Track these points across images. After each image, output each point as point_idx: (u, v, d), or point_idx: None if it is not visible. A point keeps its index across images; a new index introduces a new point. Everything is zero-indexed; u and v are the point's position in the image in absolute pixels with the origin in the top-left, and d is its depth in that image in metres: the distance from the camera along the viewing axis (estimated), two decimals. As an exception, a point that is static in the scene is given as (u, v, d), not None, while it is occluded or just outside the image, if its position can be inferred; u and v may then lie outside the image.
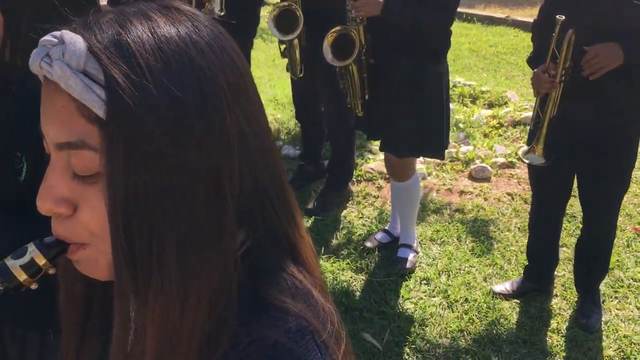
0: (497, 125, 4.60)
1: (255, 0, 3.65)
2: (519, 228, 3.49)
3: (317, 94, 3.52)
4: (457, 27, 7.99)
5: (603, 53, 2.27)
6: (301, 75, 3.30)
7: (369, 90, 2.92)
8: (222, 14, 3.33)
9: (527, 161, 2.57)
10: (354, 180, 3.88)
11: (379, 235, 3.34)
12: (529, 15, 8.83)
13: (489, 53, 6.95)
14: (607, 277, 3.08)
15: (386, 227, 3.37)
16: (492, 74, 6.21)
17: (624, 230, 3.51)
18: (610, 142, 2.44)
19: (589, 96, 2.39)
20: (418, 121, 2.79)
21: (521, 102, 5.06)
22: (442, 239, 3.38)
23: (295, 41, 3.17)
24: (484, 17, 8.39)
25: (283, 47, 3.26)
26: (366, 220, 3.55)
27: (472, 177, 3.96)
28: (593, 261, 2.82)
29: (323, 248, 3.26)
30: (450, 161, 4.14)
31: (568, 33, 2.28)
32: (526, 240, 3.05)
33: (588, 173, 2.61)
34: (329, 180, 3.65)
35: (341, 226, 3.48)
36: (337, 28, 2.65)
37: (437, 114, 2.81)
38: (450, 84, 5.35)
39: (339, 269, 3.13)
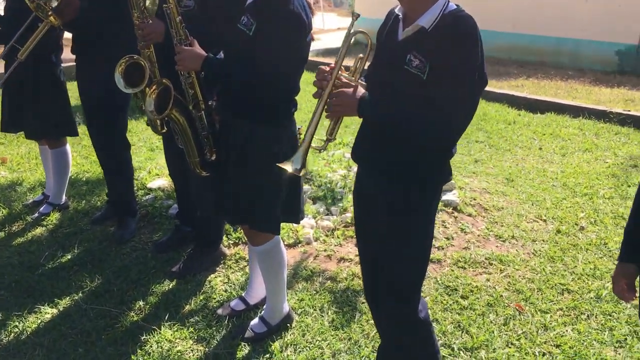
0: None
1: None
2: (391, 300, 3.26)
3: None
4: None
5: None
6: (164, 131, 3.19)
7: (217, 150, 2.80)
8: (56, 5, 3.25)
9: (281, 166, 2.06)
10: (231, 243, 3.71)
11: (234, 303, 3.14)
12: (499, 87, 8.79)
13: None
14: (469, 357, 2.84)
15: (243, 294, 3.18)
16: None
17: (507, 306, 3.26)
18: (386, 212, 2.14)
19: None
20: (244, 188, 2.62)
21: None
22: (304, 309, 3.16)
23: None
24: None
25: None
26: (230, 286, 3.35)
27: (359, 244, 3.76)
28: None
29: (169, 314, 3.06)
30: (344, 227, 3.96)
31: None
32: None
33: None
34: (196, 242, 3.49)
35: (202, 291, 3.29)
36: (154, 86, 2.56)
37: (267, 182, 2.59)
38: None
39: (179, 338, 2.92)
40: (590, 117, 7.03)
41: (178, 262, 3.49)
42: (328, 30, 23.70)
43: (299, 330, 3.00)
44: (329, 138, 2.10)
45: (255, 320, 2.98)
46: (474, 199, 4.46)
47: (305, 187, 4.32)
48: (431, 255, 3.67)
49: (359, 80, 2.07)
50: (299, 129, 2.73)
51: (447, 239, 3.90)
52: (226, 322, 3.03)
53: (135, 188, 4.44)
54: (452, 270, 3.57)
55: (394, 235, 2.15)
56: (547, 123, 6.89)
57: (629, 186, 5.02)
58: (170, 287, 3.32)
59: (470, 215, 4.23)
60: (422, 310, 2.28)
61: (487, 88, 7.32)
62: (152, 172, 4.78)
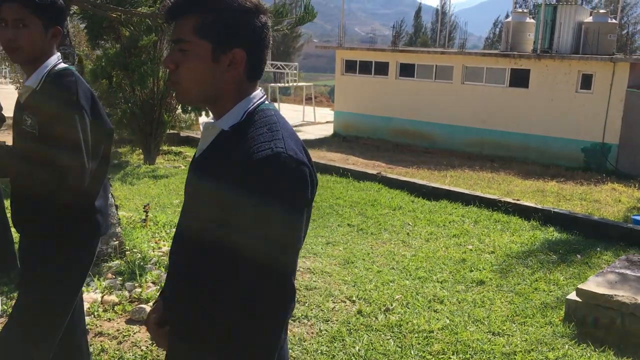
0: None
1: None
2: (126, 375, 3.15)
3: None
4: (328, 180, 8.06)
5: None
6: None
7: None
8: None
9: None
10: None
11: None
12: (399, 173, 8.88)
13: (325, 204, 6.87)
14: None
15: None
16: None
17: None
18: None
19: None
20: None
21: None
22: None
23: None
24: (359, 172, 8.45)
25: None
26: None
27: (130, 320, 3.68)
28: None
29: None
30: (129, 302, 3.89)
31: None
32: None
33: None
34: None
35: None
36: None
37: None
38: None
39: None
40: (481, 205, 7.01)
41: None
42: (317, 123, 24.39)
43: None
44: None
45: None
46: (288, 279, 4.38)
47: (116, 262, 4.30)
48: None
49: None
50: None
51: (229, 316, 3.80)
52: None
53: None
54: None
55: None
56: (434, 210, 6.86)
57: (471, 271, 4.92)
58: None
59: (271, 293, 4.13)
60: None
61: (391, 176, 7.46)
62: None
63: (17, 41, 2.06)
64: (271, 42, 1.44)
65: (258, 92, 1.46)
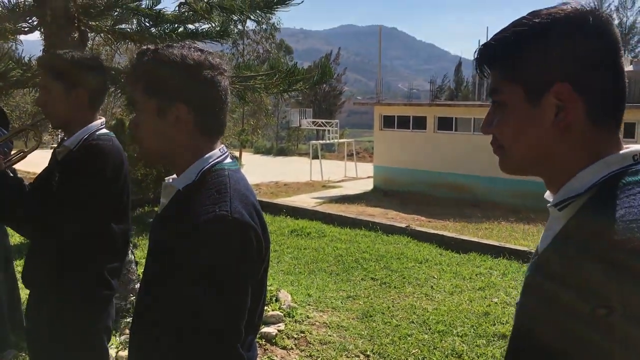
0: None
1: None
2: None
3: None
4: (357, 234, 8.05)
5: None
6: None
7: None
8: None
9: None
10: None
11: None
12: (434, 227, 8.78)
13: (350, 258, 6.86)
14: None
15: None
16: (306, 276, 6.15)
17: None
18: None
19: None
20: None
21: (290, 302, 4.86)
22: None
23: None
24: (387, 226, 8.41)
25: None
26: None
27: (142, 373, 3.72)
28: None
29: None
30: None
31: None
32: None
33: None
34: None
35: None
36: None
37: None
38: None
39: None
40: (511, 257, 6.85)
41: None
42: (358, 178, 24.48)
43: None
44: None
45: None
46: (302, 332, 4.37)
47: (134, 317, 4.38)
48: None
49: None
50: None
51: (238, 370, 3.79)
52: None
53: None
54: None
55: None
56: (461, 262, 6.75)
57: (494, 324, 4.78)
58: None
59: (284, 348, 4.12)
60: None
61: (420, 229, 7.42)
62: None
63: (44, 108, 2.09)
64: (225, 97, 1.45)
65: (216, 151, 1.46)
